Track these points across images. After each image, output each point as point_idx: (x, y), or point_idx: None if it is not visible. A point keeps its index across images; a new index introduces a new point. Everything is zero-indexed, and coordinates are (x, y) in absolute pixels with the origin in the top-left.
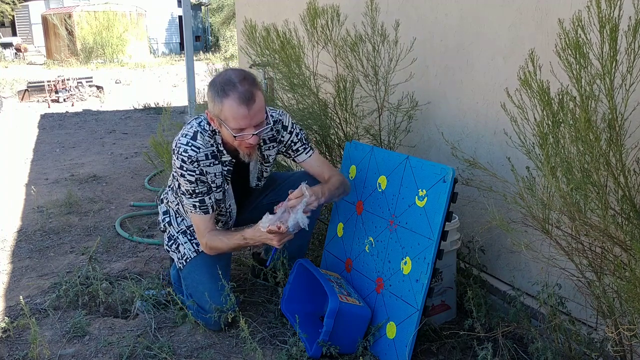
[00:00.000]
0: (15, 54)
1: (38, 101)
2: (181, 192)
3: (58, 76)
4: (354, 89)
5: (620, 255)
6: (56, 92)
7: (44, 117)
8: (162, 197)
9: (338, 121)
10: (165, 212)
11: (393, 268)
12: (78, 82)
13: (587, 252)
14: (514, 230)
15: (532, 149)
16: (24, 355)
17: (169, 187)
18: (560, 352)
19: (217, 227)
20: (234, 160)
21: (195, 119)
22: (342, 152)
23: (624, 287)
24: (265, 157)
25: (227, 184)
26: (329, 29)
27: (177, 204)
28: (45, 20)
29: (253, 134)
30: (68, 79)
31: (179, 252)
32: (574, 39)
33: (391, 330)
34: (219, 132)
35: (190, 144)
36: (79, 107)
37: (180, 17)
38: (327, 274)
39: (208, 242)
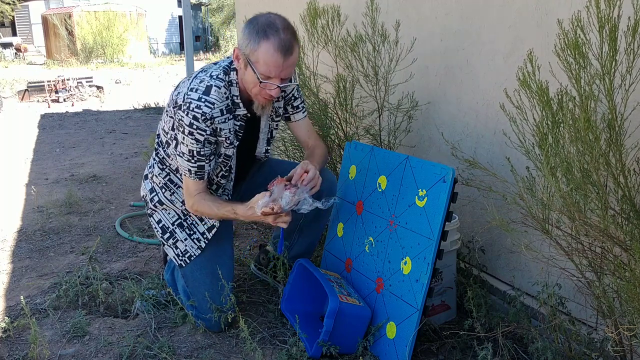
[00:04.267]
0: (15, 54)
1: (38, 101)
2: (178, 152)
3: (58, 76)
4: (354, 89)
5: (620, 255)
6: (56, 92)
7: (44, 117)
8: (145, 172)
9: (338, 121)
10: (152, 190)
11: (393, 268)
12: (78, 82)
13: (587, 252)
14: (514, 230)
15: (532, 149)
16: (24, 355)
17: (155, 159)
18: (560, 352)
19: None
20: (248, 115)
21: (204, 71)
22: (342, 152)
23: (624, 287)
24: (276, 109)
25: (237, 142)
26: (329, 29)
27: (167, 175)
28: (45, 20)
29: (278, 86)
30: (68, 79)
31: (177, 248)
32: (573, 39)
33: (391, 330)
34: (236, 82)
35: (203, 100)
36: (79, 107)
37: (180, 17)
38: (327, 274)
39: (195, 203)
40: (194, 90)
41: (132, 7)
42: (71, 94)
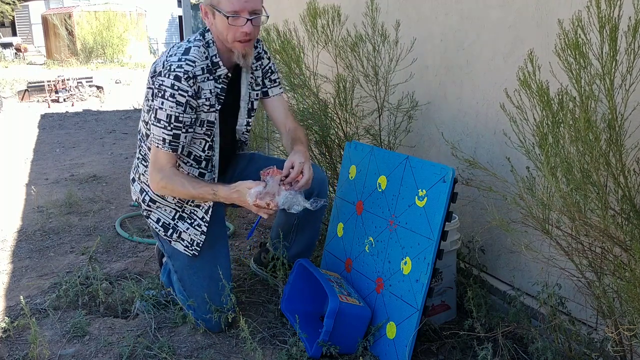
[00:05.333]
0: (15, 54)
1: (38, 101)
2: (155, 121)
3: (58, 76)
4: (354, 89)
5: (620, 255)
6: (56, 92)
7: (44, 117)
8: (132, 176)
9: (338, 121)
10: (142, 191)
11: (393, 268)
12: (78, 82)
13: (587, 252)
14: (514, 230)
15: (532, 149)
16: (24, 355)
17: (138, 157)
18: (560, 352)
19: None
20: (230, 75)
21: (181, 43)
22: (342, 152)
23: (624, 287)
24: (255, 77)
25: (219, 105)
26: (329, 29)
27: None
28: (45, 20)
29: (248, 19)
30: (68, 79)
31: (184, 240)
32: (574, 39)
33: (391, 330)
34: (213, 41)
35: (184, 59)
36: (79, 107)
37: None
38: (327, 274)
39: (164, 178)
40: (173, 55)
41: (132, 7)
42: (71, 94)
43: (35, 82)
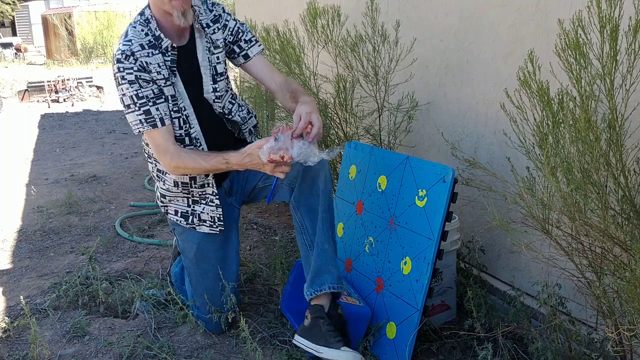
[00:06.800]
0: (15, 54)
1: (38, 101)
2: (125, 107)
3: (58, 76)
4: (354, 89)
5: (620, 256)
6: (56, 92)
7: (44, 117)
8: (155, 199)
9: (338, 121)
10: (157, 188)
11: (393, 268)
12: (78, 82)
13: (587, 252)
14: (514, 230)
15: (532, 149)
16: (24, 355)
17: (144, 157)
18: (560, 352)
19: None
20: (175, 46)
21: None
22: (342, 152)
23: (624, 288)
24: (213, 41)
25: (175, 77)
26: (329, 29)
27: (154, 166)
28: (45, 20)
29: None
30: (68, 79)
31: (205, 221)
32: (574, 39)
33: (391, 330)
34: (152, 16)
35: (121, 42)
36: (79, 107)
37: None
38: None
39: (175, 158)
40: (118, 44)
41: (132, 7)
42: (71, 94)
43: (35, 82)
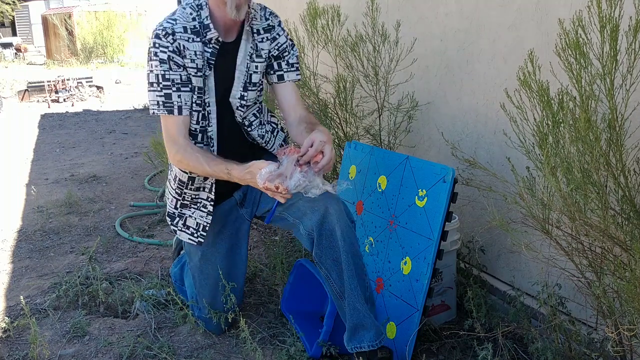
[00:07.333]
0: (15, 54)
1: (38, 101)
2: (148, 83)
3: (58, 76)
4: (354, 89)
5: (620, 255)
6: (56, 92)
7: (44, 117)
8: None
9: (338, 121)
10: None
11: (393, 268)
12: (78, 82)
13: (587, 252)
14: (514, 230)
15: (532, 149)
16: (24, 355)
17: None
18: (560, 352)
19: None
20: (221, 40)
21: None
22: (342, 152)
23: (624, 287)
24: (258, 48)
25: (210, 70)
26: (329, 29)
27: (175, 178)
28: (45, 20)
29: None
30: (68, 79)
31: (190, 227)
32: (574, 39)
33: (391, 330)
34: (205, 3)
35: (166, 19)
36: (79, 107)
37: None
38: None
39: (180, 151)
40: (162, 20)
41: (132, 7)
42: (71, 94)
43: (35, 82)
